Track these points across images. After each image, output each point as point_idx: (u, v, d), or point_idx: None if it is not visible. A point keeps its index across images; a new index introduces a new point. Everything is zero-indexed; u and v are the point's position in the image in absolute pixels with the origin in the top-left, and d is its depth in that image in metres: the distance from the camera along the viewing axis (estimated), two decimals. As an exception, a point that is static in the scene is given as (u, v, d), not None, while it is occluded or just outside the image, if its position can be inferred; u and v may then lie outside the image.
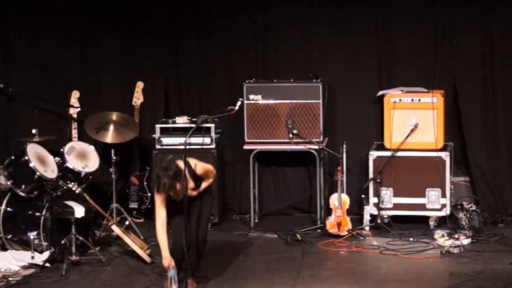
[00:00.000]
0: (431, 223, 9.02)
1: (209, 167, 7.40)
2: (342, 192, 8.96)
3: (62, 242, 7.95)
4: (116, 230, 8.12)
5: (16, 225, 8.19)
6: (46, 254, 7.95)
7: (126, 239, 8.05)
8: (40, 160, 8.25)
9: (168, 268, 7.12)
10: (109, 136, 9.01)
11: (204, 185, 7.32)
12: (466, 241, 8.42)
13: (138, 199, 9.52)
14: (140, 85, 9.51)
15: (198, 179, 7.27)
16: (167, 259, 7.11)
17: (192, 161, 7.29)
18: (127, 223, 8.71)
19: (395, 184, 9.05)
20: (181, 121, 9.33)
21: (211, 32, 9.74)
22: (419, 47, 9.52)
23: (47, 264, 7.87)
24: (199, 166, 7.29)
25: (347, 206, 8.91)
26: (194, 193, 7.23)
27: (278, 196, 9.83)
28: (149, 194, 9.49)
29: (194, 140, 8.77)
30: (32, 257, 7.92)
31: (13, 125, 9.79)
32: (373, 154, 9.11)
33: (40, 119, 9.44)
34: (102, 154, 9.08)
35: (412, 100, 9.12)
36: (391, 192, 9.07)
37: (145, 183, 9.53)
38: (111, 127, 9.04)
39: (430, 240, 8.57)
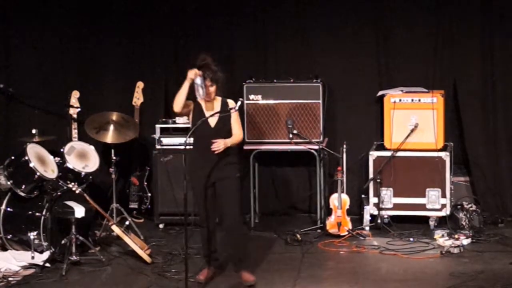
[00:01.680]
0: (431, 223, 9.02)
1: (240, 122, 7.50)
2: (342, 192, 8.96)
3: (62, 242, 7.95)
4: (116, 230, 8.13)
5: (16, 225, 8.19)
6: (46, 254, 7.96)
7: (126, 239, 8.05)
8: (40, 160, 8.26)
9: (195, 76, 7.21)
10: (109, 136, 9.01)
11: (229, 141, 7.30)
12: (466, 241, 8.42)
13: (138, 199, 9.52)
14: (140, 85, 9.51)
15: (227, 126, 7.32)
16: (192, 72, 7.23)
17: (232, 103, 7.39)
18: (127, 223, 8.71)
19: (395, 184, 9.05)
20: (181, 121, 9.32)
21: (211, 32, 9.74)
22: (419, 47, 9.52)
23: (47, 264, 7.87)
24: (236, 114, 7.37)
25: (347, 206, 8.91)
26: (220, 145, 7.19)
27: (278, 196, 9.83)
28: (149, 194, 9.49)
29: (194, 140, 8.75)
30: (32, 257, 7.92)
31: (13, 125, 9.79)
32: (373, 154, 9.12)
33: (40, 119, 9.44)
34: (102, 154, 9.08)
35: (412, 100, 9.13)
36: (391, 192, 9.07)
37: (145, 183, 9.53)
38: (111, 127, 9.04)
39: (430, 240, 8.58)
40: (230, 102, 7.43)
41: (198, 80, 7.24)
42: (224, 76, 7.44)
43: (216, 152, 7.23)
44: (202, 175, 7.32)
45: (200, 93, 7.28)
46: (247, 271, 7.43)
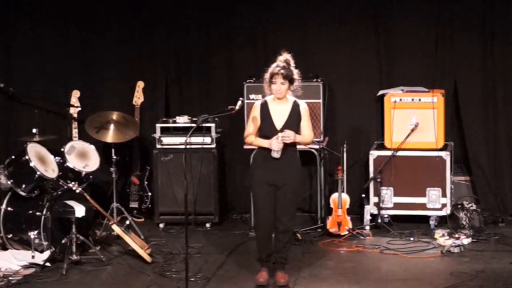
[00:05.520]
0: (432, 222, 9.02)
1: (311, 125, 7.38)
2: (343, 191, 8.96)
3: (63, 241, 7.95)
4: (117, 229, 8.13)
5: (16, 225, 8.19)
6: (46, 254, 7.95)
7: (127, 238, 8.05)
8: (40, 159, 8.26)
9: (278, 148, 7.09)
10: (110, 136, 9.01)
11: (302, 138, 7.22)
12: (466, 241, 8.42)
13: (138, 198, 9.52)
14: (140, 84, 9.52)
15: (295, 128, 7.20)
16: (275, 143, 7.08)
17: (304, 103, 7.30)
18: (127, 222, 8.72)
19: (395, 183, 9.05)
20: (182, 120, 9.34)
21: (211, 32, 9.75)
22: (419, 47, 9.52)
23: (48, 264, 7.87)
24: (307, 112, 7.28)
25: (347, 206, 8.91)
26: (291, 137, 7.09)
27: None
28: (150, 194, 9.49)
29: (194, 139, 8.73)
30: (33, 257, 7.92)
31: (14, 125, 9.80)
32: (374, 154, 9.12)
33: (40, 118, 9.42)
34: (102, 153, 9.08)
35: (413, 99, 9.13)
36: (392, 191, 9.07)
37: (146, 182, 9.53)
38: (112, 127, 9.04)
39: (430, 239, 8.58)
40: (302, 105, 7.27)
41: (276, 149, 7.13)
42: (299, 75, 7.29)
43: (282, 142, 7.08)
44: (263, 176, 7.22)
45: (274, 156, 7.15)
46: (283, 272, 7.39)
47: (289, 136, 7.12)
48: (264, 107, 7.29)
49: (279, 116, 7.23)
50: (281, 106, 7.25)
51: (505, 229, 8.94)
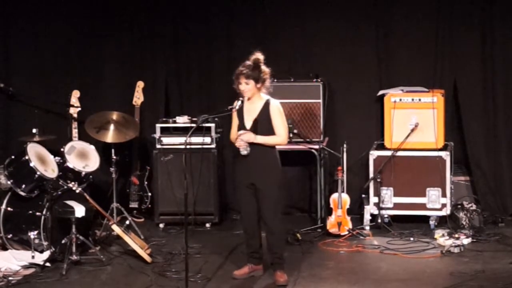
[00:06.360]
0: (432, 222, 9.02)
1: (285, 124, 7.31)
2: (343, 191, 8.96)
3: (63, 241, 7.95)
4: (117, 229, 8.13)
5: (16, 225, 8.19)
6: (46, 254, 7.96)
7: (127, 238, 8.05)
8: (40, 159, 8.26)
9: (244, 145, 7.16)
10: (110, 136, 9.00)
11: (266, 139, 7.21)
12: (466, 241, 8.42)
13: (138, 198, 9.52)
14: (140, 84, 9.52)
15: (265, 128, 7.21)
16: (242, 145, 7.14)
17: (275, 102, 7.27)
18: (127, 222, 8.72)
19: (395, 183, 9.05)
20: (182, 120, 9.34)
21: (211, 31, 9.75)
22: (419, 47, 9.52)
23: (48, 264, 7.87)
24: (278, 111, 7.24)
25: (347, 206, 8.91)
26: (244, 137, 7.15)
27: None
28: (149, 194, 9.49)
29: (194, 139, 8.67)
30: (33, 257, 7.92)
31: (14, 125, 9.80)
32: (374, 154, 9.12)
33: (40, 118, 9.42)
34: (102, 153, 9.08)
35: (413, 99, 9.13)
36: (392, 191, 9.07)
37: (146, 182, 9.53)
38: (112, 127, 9.03)
39: (430, 239, 8.58)
40: (273, 104, 7.26)
41: (243, 147, 7.21)
42: (268, 74, 7.28)
43: (243, 141, 7.15)
44: (240, 175, 7.34)
45: (242, 154, 7.23)
46: (281, 272, 7.41)
47: (243, 134, 7.17)
48: (240, 107, 7.35)
49: (249, 116, 7.29)
50: (253, 106, 7.30)
51: (505, 229, 8.94)
